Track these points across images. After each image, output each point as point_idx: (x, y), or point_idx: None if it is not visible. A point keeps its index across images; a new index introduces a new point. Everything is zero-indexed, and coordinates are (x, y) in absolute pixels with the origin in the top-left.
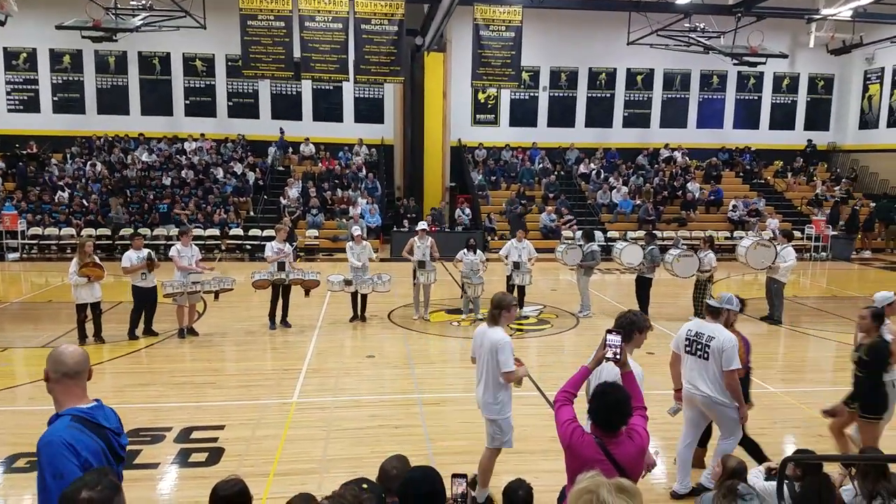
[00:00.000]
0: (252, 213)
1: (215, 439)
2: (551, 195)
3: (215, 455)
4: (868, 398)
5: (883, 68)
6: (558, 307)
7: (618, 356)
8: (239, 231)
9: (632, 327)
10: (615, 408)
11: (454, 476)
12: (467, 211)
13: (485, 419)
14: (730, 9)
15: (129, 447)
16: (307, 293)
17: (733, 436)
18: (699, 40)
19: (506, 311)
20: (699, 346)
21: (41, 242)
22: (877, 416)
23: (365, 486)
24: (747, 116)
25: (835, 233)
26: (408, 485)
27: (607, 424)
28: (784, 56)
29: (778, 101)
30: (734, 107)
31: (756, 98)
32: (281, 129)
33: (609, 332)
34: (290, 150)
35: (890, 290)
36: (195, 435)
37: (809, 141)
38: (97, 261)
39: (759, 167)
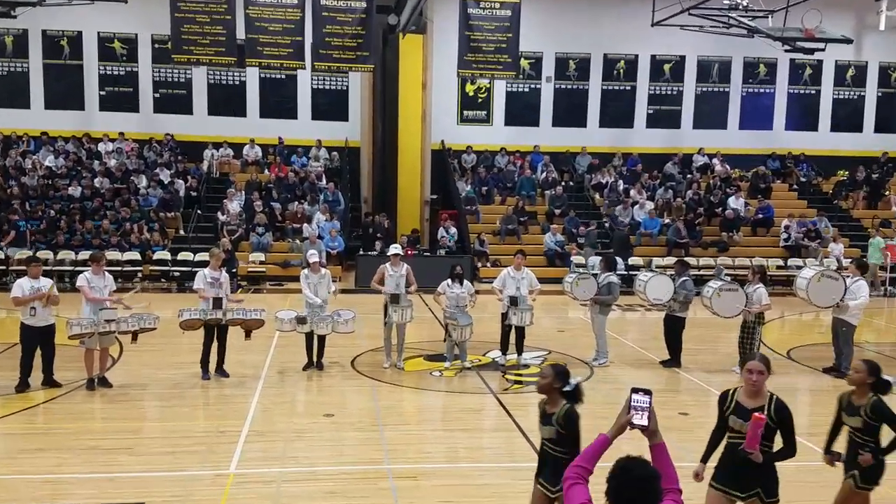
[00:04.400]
0: (182, 233)
1: None
2: (557, 211)
3: None
4: None
5: None
6: (567, 353)
7: (646, 423)
8: (165, 254)
9: None
10: (640, 489)
11: None
12: (452, 230)
13: None
14: None
15: None
16: (248, 335)
17: None
18: (741, 21)
19: None
20: None
21: None
22: None
23: None
24: (802, 115)
25: None
26: None
27: None
28: (848, 41)
29: (841, 97)
30: (786, 103)
31: (813, 92)
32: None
33: (635, 391)
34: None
35: None
36: None
37: (885, 153)
38: None
39: (818, 178)
